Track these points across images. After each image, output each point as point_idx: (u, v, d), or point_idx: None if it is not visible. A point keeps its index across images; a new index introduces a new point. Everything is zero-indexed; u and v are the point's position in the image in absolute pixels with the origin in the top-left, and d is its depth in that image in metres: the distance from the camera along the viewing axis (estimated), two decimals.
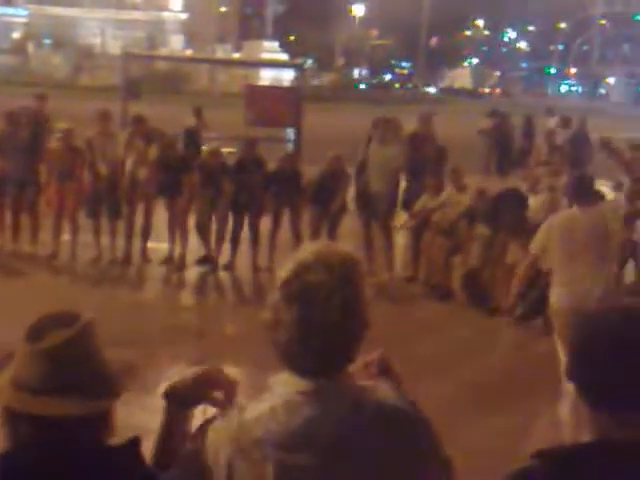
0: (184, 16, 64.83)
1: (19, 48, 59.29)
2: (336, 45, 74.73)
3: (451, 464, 2.08)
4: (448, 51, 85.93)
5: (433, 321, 9.32)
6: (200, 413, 2.16)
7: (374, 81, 77.30)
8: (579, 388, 1.92)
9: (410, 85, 77.13)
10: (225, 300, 10.22)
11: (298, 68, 19.55)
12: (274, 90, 20.73)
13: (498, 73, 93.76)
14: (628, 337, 1.87)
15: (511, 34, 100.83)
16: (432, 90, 76.90)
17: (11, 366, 2.01)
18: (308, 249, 1.97)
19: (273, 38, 63.31)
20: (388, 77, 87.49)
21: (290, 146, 16.01)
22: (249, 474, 1.92)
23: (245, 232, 10.97)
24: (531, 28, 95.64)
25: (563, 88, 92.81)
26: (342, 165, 11.02)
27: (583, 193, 6.73)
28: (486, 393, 7.24)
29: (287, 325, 1.91)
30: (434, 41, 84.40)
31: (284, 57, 50.95)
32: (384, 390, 2.02)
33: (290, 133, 16.74)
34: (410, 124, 12.46)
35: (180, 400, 2.12)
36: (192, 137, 15.70)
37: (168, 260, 10.93)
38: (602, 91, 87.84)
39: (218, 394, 2.11)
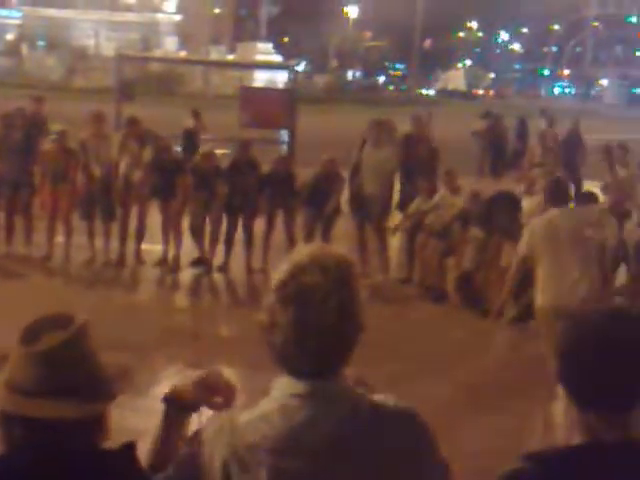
0: (178, 18, 64.76)
1: (13, 50, 59.17)
2: (330, 47, 74.78)
3: (448, 467, 2.09)
4: (442, 53, 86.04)
5: (427, 323, 9.33)
6: (196, 416, 2.16)
7: (364, 83, 77.23)
8: (567, 389, 1.92)
9: (405, 86, 77.16)
10: (219, 302, 10.22)
11: (291, 70, 19.56)
12: (268, 92, 20.77)
13: (492, 75, 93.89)
14: (614, 338, 1.87)
15: (504, 36, 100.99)
16: (428, 92, 76.96)
17: (5, 368, 2.00)
18: (303, 251, 1.97)
19: (267, 40, 63.29)
20: (382, 79, 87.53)
21: (284, 148, 16.02)
22: (244, 479, 1.92)
23: (239, 234, 10.97)
24: (524, 30, 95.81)
25: (556, 90, 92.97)
26: (336, 168, 11.02)
27: (560, 196, 6.95)
28: (480, 394, 7.25)
29: (283, 327, 1.90)
30: (428, 43, 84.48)
31: (278, 59, 50.97)
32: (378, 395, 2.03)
33: (284, 135, 16.75)
34: (405, 125, 12.49)
35: (179, 404, 2.12)
36: (190, 139, 15.73)
37: (162, 262, 10.92)
38: (594, 92, 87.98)
39: (217, 399, 2.11)
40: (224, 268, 10.86)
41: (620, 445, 1.86)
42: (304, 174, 11.35)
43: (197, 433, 2.01)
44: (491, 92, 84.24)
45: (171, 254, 10.90)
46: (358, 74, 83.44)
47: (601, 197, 10.92)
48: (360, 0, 75.93)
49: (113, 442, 2.05)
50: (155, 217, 11.10)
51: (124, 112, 14.64)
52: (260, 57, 52.18)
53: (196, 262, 10.97)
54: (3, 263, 10.72)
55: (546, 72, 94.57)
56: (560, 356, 1.94)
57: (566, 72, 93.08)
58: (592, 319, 1.94)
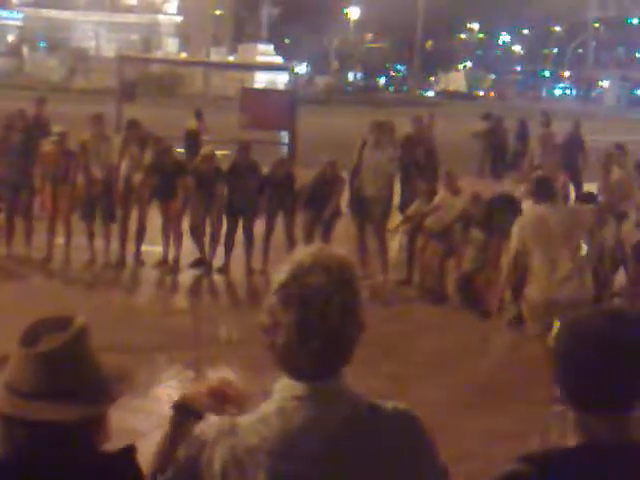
0: (179, 19, 64.81)
1: (14, 51, 59.27)
2: (331, 48, 74.80)
3: (446, 470, 2.09)
4: (443, 54, 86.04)
5: (427, 324, 9.32)
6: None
7: (361, 84, 77.23)
8: (565, 391, 1.92)
9: (405, 88, 77.20)
10: (219, 303, 10.21)
11: (290, 71, 19.58)
12: (269, 93, 20.78)
13: (492, 76, 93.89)
14: (613, 339, 1.87)
15: (505, 37, 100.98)
16: (427, 93, 76.96)
17: (5, 370, 2.00)
18: (304, 252, 1.96)
19: (268, 41, 63.36)
20: (383, 80, 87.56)
21: (284, 149, 16.03)
22: None
23: (239, 235, 10.97)
24: (525, 31, 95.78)
25: (557, 91, 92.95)
26: (336, 170, 11.00)
27: (545, 192, 7.21)
28: (480, 396, 7.24)
29: (286, 328, 1.89)
30: (429, 44, 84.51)
31: (279, 60, 50.98)
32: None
33: (284, 136, 16.77)
34: (405, 127, 12.49)
35: (189, 412, 2.10)
36: (193, 139, 15.75)
37: (162, 263, 10.92)
38: (595, 94, 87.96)
39: (229, 408, 2.10)
40: (224, 269, 10.86)
41: (618, 447, 1.86)
42: (304, 175, 11.35)
43: (197, 436, 2.00)
44: (492, 93, 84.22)
45: (171, 255, 10.90)
46: (359, 75, 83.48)
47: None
48: (361, 1, 75.95)
49: (112, 443, 2.05)
50: (155, 218, 11.10)
51: (125, 113, 14.66)
52: (261, 58, 52.23)
53: (196, 263, 10.97)
54: (3, 264, 10.72)
55: (547, 74, 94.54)
56: (558, 358, 1.95)
57: (567, 74, 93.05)
58: (591, 321, 1.94)
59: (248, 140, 12.23)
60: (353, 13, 77.26)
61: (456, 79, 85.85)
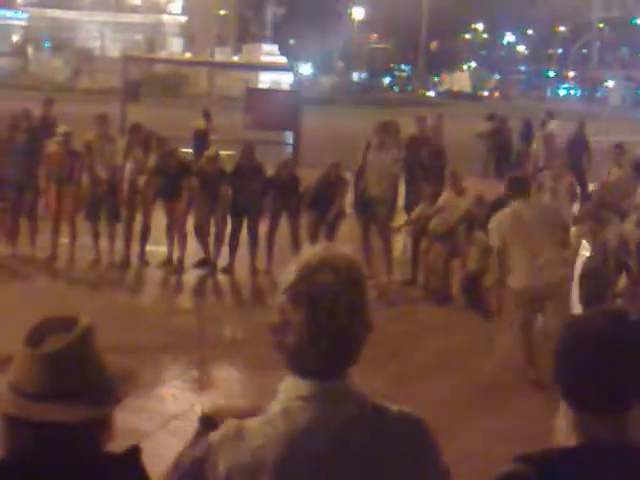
0: (183, 19, 64.76)
1: (19, 51, 59.29)
2: (335, 48, 74.76)
3: (449, 472, 2.09)
4: (447, 54, 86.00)
5: (432, 324, 9.32)
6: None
7: (369, 84, 77.20)
8: (564, 391, 1.92)
9: (410, 88, 77.15)
10: (223, 303, 10.22)
11: (295, 72, 19.58)
12: (273, 93, 20.78)
13: (497, 76, 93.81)
14: (613, 339, 1.87)
15: (510, 38, 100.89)
16: (429, 93, 76.91)
17: (9, 370, 2.00)
18: (312, 251, 1.97)
19: (272, 41, 63.33)
20: (387, 80, 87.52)
21: (289, 149, 16.04)
22: None
23: (244, 235, 10.98)
24: (530, 32, 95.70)
25: (562, 91, 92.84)
26: (340, 172, 11.00)
27: (519, 189, 7.66)
28: (484, 396, 7.25)
29: (296, 327, 1.90)
30: (433, 44, 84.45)
31: (283, 60, 50.98)
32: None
33: (289, 136, 16.78)
34: (409, 127, 12.48)
35: (214, 427, 2.07)
36: (201, 139, 15.77)
37: (166, 263, 10.94)
38: (599, 94, 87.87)
39: None
40: (228, 269, 10.87)
41: (617, 447, 1.86)
42: (309, 176, 11.35)
43: (203, 439, 1.99)
44: (496, 94, 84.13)
45: (175, 255, 10.91)
46: (363, 75, 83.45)
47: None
48: (366, 2, 75.92)
49: (116, 444, 2.05)
50: (160, 219, 11.12)
51: (129, 113, 14.67)
52: (265, 59, 52.22)
53: (200, 263, 10.98)
54: (8, 264, 10.74)
55: (551, 74, 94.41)
56: (558, 357, 1.95)
57: (571, 74, 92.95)
58: (591, 321, 1.94)
59: (251, 141, 12.23)
60: (358, 13, 77.22)
61: (460, 79, 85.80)
